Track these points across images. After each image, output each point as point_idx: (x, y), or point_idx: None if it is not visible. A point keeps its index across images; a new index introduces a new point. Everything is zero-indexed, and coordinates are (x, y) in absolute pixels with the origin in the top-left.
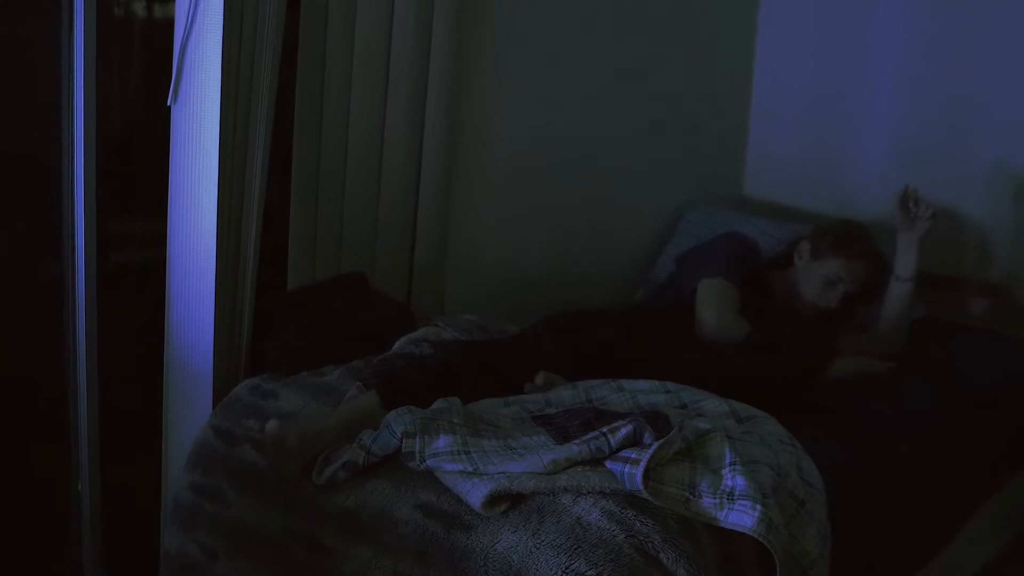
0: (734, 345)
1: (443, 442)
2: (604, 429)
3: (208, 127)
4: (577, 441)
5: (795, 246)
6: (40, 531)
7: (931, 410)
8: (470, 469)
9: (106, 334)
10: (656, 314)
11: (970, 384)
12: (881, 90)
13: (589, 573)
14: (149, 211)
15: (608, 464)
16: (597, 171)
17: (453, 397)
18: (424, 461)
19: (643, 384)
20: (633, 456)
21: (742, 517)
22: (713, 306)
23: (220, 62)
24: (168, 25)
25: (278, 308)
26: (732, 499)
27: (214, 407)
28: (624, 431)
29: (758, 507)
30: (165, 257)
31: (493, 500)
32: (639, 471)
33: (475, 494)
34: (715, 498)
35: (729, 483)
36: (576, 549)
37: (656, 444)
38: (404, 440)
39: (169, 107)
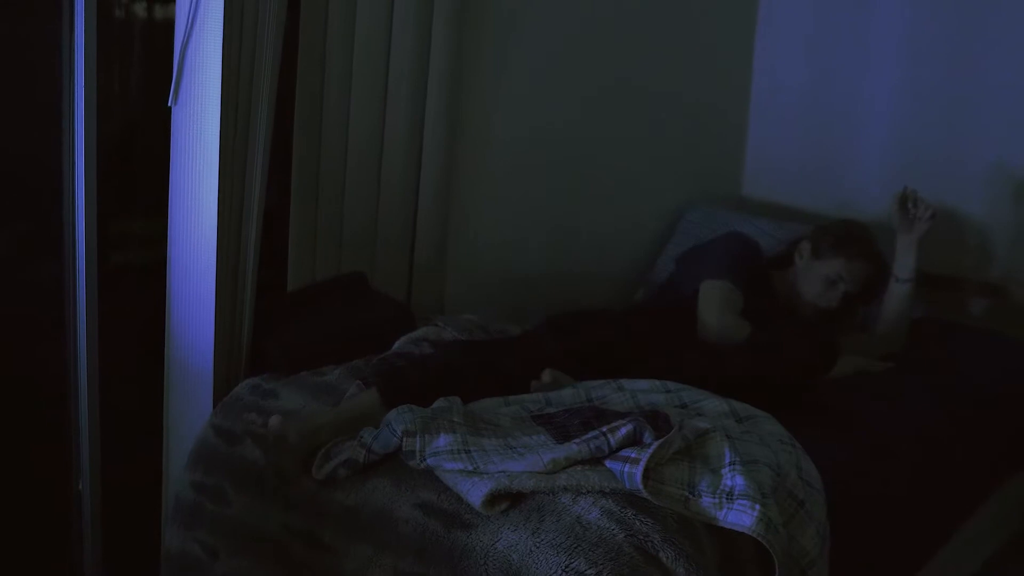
0: (735, 346)
1: (443, 441)
2: (604, 428)
3: (208, 128)
4: (577, 440)
5: (795, 246)
6: (41, 531)
7: (931, 410)
8: (470, 468)
9: (106, 334)
10: (656, 314)
11: (970, 384)
12: (880, 90)
13: (589, 572)
14: (149, 211)
15: (608, 463)
16: (597, 171)
17: (454, 396)
18: (424, 460)
19: (643, 384)
20: (633, 455)
21: (741, 517)
22: (716, 309)
23: (220, 63)
24: (168, 26)
25: (278, 308)
26: (731, 499)
27: (214, 407)
28: (624, 430)
29: (757, 507)
30: (165, 257)
31: (493, 499)
32: (639, 470)
33: (475, 493)
34: (714, 497)
35: (728, 483)
36: (576, 548)
37: (656, 444)
38: (404, 439)
39: (169, 108)
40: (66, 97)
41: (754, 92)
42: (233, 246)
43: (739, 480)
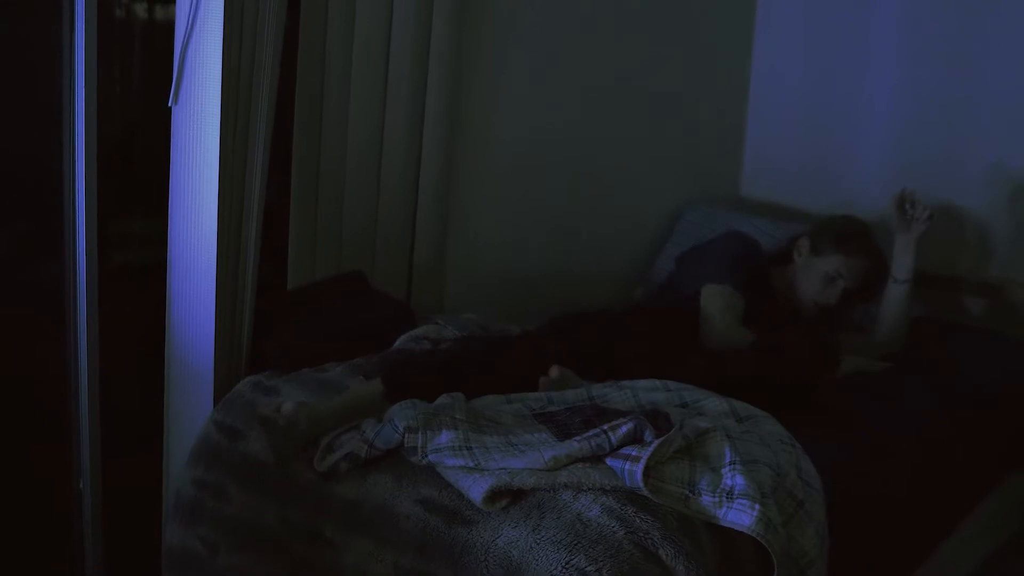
0: (739, 350)
1: (445, 437)
2: (605, 426)
3: (209, 128)
4: (578, 438)
5: (794, 243)
6: (42, 530)
7: (931, 410)
8: (471, 465)
9: (107, 333)
10: (656, 314)
11: (970, 384)
12: (879, 90)
13: (589, 569)
14: (150, 211)
15: (609, 461)
16: (596, 171)
17: (457, 392)
18: (426, 456)
19: (644, 382)
20: (634, 454)
21: (741, 516)
22: (719, 315)
23: (221, 63)
24: (169, 26)
25: (278, 307)
26: (731, 498)
27: (215, 405)
28: (625, 429)
29: (757, 506)
30: (166, 257)
31: (494, 496)
32: (639, 468)
33: (476, 489)
34: (714, 496)
35: (728, 482)
36: (576, 545)
37: (656, 442)
38: (406, 435)
39: (170, 108)
40: (66, 97)
41: (753, 92)
42: (233, 245)
43: (739, 479)
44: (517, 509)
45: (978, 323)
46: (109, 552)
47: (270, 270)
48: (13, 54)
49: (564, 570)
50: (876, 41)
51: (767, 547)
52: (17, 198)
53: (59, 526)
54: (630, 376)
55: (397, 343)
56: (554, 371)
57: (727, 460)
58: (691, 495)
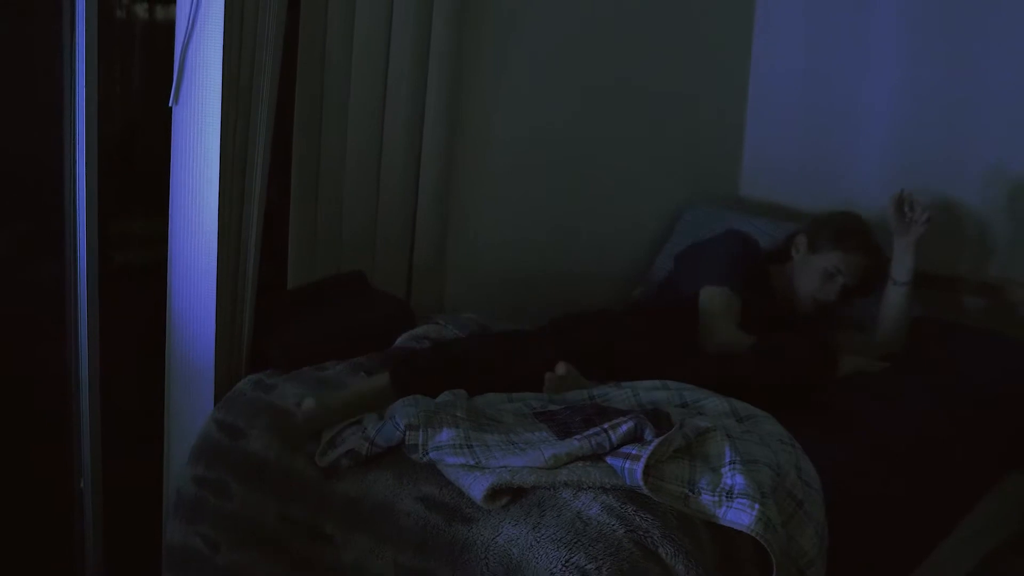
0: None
1: (446, 435)
2: (605, 425)
3: (209, 128)
4: (578, 437)
5: (792, 240)
6: (42, 529)
7: (931, 410)
8: (472, 463)
9: (107, 333)
10: (655, 314)
11: (970, 384)
12: (879, 90)
13: (589, 567)
14: (150, 211)
15: (609, 460)
16: (596, 171)
17: (460, 390)
18: (427, 454)
19: (644, 381)
20: (634, 452)
21: (740, 516)
22: (720, 319)
23: (221, 63)
24: (169, 27)
25: (278, 307)
26: (731, 497)
27: (215, 404)
28: (625, 427)
29: (756, 506)
30: (166, 257)
31: (494, 494)
32: (639, 467)
33: (476, 487)
34: (714, 496)
35: (728, 481)
36: (576, 543)
37: (656, 441)
38: (407, 432)
39: (170, 108)
40: (67, 97)
41: (752, 92)
42: (233, 245)
43: (739, 479)
44: (517, 507)
45: (978, 323)
46: (110, 551)
47: (270, 270)
48: (14, 54)
49: (564, 568)
50: (875, 41)
51: (766, 547)
52: (18, 198)
53: (60, 525)
54: (630, 376)
55: (397, 342)
56: (560, 367)
57: (727, 459)
58: (691, 494)
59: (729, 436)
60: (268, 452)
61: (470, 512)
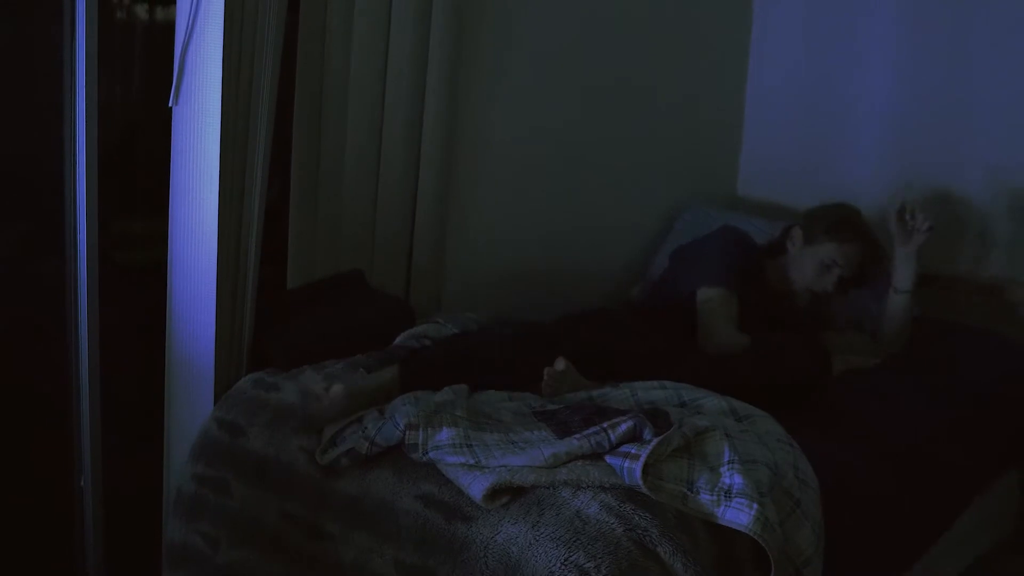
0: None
1: (445, 435)
2: (604, 424)
3: (209, 128)
4: (577, 436)
5: (787, 233)
6: (43, 527)
7: (930, 410)
8: (471, 462)
9: (108, 332)
10: (651, 314)
11: (968, 384)
12: (876, 91)
13: (587, 565)
14: (150, 211)
15: (608, 459)
16: (594, 171)
17: (461, 386)
18: (426, 453)
19: (643, 381)
20: (633, 451)
21: (739, 515)
22: (719, 321)
23: (221, 64)
24: (169, 27)
25: (278, 307)
26: (729, 497)
27: (215, 403)
28: (624, 427)
29: (755, 506)
30: (166, 256)
31: (494, 493)
32: (638, 466)
33: (476, 487)
34: (712, 495)
35: (727, 481)
36: (575, 541)
37: (656, 440)
38: (407, 432)
39: (170, 108)
40: (68, 98)
41: (750, 92)
42: (233, 245)
43: (737, 479)
44: (516, 506)
45: (978, 323)
46: (110, 549)
47: (270, 270)
48: (15, 55)
49: (563, 567)
50: (873, 42)
51: (764, 546)
52: (18, 198)
53: (60, 523)
54: (630, 376)
55: (397, 341)
56: (560, 363)
57: (726, 459)
58: (689, 493)
59: (728, 435)
60: (268, 450)
61: (470, 511)
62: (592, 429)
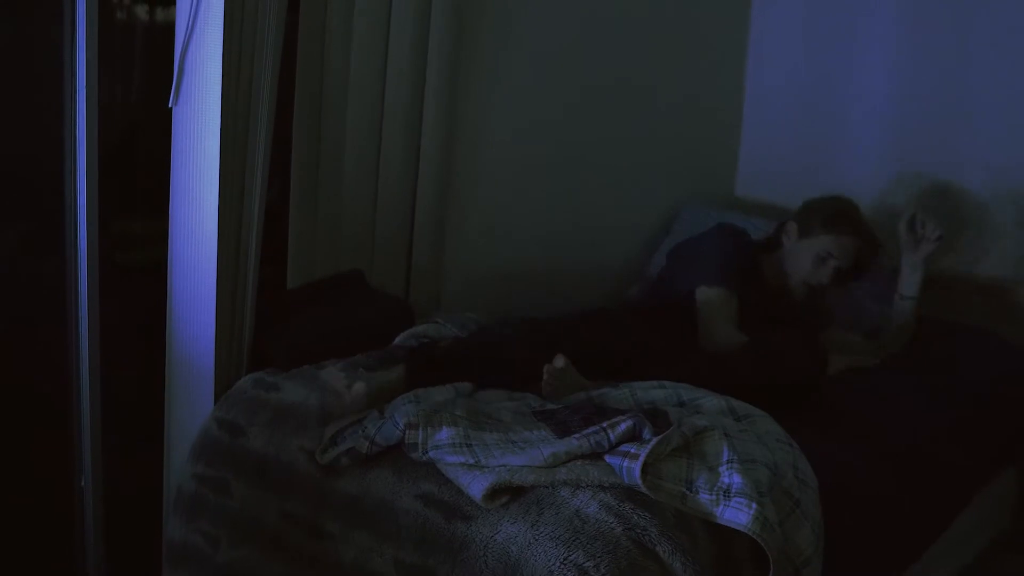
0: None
1: (445, 434)
2: (604, 424)
3: (209, 128)
4: (577, 435)
5: (782, 227)
6: (43, 527)
7: (930, 410)
8: (471, 461)
9: (108, 332)
10: (650, 313)
11: (968, 384)
12: (875, 90)
13: (587, 564)
14: (151, 211)
15: (607, 458)
16: (593, 171)
17: (464, 383)
18: (426, 452)
19: (642, 381)
20: (632, 451)
21: (738, 514)
22: (719, 321)
23: (221, 64)
24: (169, 28)
25: (278, 307)
26: (728, 496)
27: (215, 403)
28: (624, 426)
29: (754, 505)
30: (166, 256)
31: (494, 493)
32: (637, 466)
33: (476, 486)
34: (712, 495)
35: (726, 480)
36: (574, 541)
37: (655, 440)
38: (407, 431)
39: (170, 108)
40: (68, 98)
41: (748, 92)
42: (233, 245)
43: (736, 478)
44: (516, 505)
45: (978, 323)
46: (110, 548)
47: (270, 270)
48: (15, 55)
49: (562, 566)
50: (871, 42)
51: (763, 546)
52: (19, 198)
53: (61, 523)
54: (629, 376)
55: (396, 341)
56: (559, 360)
57: (725, 458)
58: (689, 493)
59: (727, 435)
60: (268, 450)
61: (469, 510)
62: (591, 429)
